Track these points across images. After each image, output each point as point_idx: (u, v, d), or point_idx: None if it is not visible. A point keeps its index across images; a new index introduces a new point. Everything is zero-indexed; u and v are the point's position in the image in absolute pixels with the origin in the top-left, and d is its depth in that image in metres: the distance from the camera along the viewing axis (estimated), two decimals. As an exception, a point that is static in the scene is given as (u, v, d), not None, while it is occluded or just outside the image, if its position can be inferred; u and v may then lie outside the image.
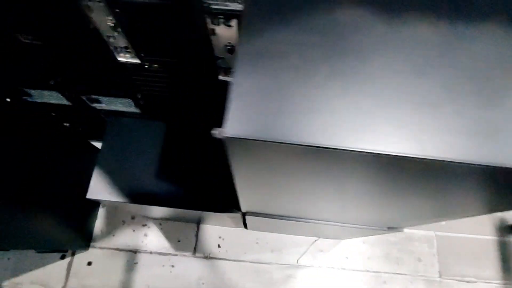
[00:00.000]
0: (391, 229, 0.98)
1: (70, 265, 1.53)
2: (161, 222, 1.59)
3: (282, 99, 0.36)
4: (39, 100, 1.25)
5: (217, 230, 1.57)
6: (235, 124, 0.35)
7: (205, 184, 1.01)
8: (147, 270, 1.51)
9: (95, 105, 1.22)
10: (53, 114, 1.36)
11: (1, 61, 1.02)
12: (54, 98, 1.22)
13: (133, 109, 1.21)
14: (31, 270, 1.51)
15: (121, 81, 1.01)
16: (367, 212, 0.76)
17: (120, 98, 1.14)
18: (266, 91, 0.37)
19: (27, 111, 1.27)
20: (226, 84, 0.89)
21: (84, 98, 1.18)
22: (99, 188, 1.01)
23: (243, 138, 0.34)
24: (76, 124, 1.48)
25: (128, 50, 0.85)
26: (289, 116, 0.36)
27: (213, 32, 0.69)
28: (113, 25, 0.75)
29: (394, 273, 1.54)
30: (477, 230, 1.60)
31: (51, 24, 0.79)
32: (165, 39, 0.76)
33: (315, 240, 1.56)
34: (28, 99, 1.24)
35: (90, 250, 1.55)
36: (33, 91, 1.20)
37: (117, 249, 1.55)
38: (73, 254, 1.54)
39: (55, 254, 1.54)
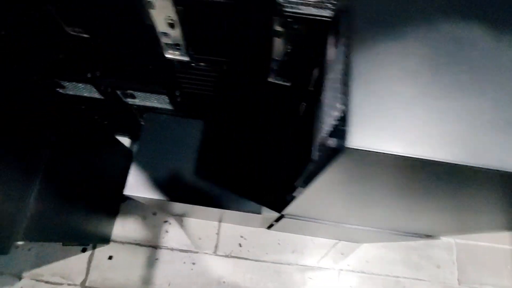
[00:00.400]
0: (428, 237, 0.98)
1: (91, 258, 1.52)
2: (182, 219, 1.59)
3: (401, 112, 0.36)
4: (71, 93, 1.24)
5: (238, 229, 1.57)
6: (358, 135, 0.34)
7: (244, 185, 1.01)
8: (168, 266, 1.51)
9: (128, 100, 1.22)
10: (82, 107, 1.35)
11: (42, 53, 1.01)
12: (87, 91, 1.21)
13: (166, 105, 1.21)
14: (52, 262, 1.51)
15: (163, 77, 1.00)
16: (416, 220, 0.75)
17: (157, 94, 1.13)
18: (384, 103, 0.36)
19: (58, 103, 1.26)
20: (273, 86, 0.89)
21: (119, 92, 1.17)
22: (136, 184, 1.01)
23: (367, 150, 0.34)
24: (104, 118, 1.47)
25: (179, 47, 0.84)
26: (408, 129, 0.35)
27: (277, 34, 0.68)
28: (171, 22, 0.74)
29: (413, 279, 1.54)
30: (497, 240, 1.61)
31: (106, 19, 0.78)
32: (224, 38, 0.75)
33: (336, 243, 1.57)
34: (61, 91, 1.23)
35: (111, 244, 1.54)
36: (67, 83, 1.19)
37: (138, 244, 1.55)
38: (94, 248, 1.54)
39: (76, 247, 1.53)
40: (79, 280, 1.49)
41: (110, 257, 1.53)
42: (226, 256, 1.53)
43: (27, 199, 0.98)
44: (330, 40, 0.54)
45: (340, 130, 0.38)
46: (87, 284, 1.49)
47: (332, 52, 0.52)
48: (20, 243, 0.98)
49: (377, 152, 0.34)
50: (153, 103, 1.21)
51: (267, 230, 1.56)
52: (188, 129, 1.08)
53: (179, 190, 1.02)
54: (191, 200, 1.00)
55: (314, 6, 0.58)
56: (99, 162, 1.44)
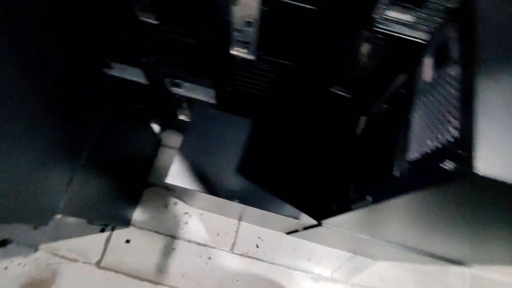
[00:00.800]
0: (459, 263, 0.98)
1: (108, 239, 1.53)
2: (202, 213, 1.59)
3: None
4: (116, 74, 1.24)
5: (257, 230, 1.57)
6: (487, 162, 0.35)
7: (284, 188, 1.02)
8: (184, 258, 1.52)
9: (173, 89, 1.22)
10: (123, 90, 1.36)
11: (105, 34, 1.02)
12: (134, 75, 1.22)
13: (211, 99, 1.21)
14: (70, 237, 1.52)
15: (220, 72, 1.01)
16: (466, 247, 0.76)
17: (206, 87, 1.14)
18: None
19: (101, 83, 1.27)
20: (333, 95, 0.89)
21: (167, 80, 1.18)
22: (179, 174, 1.01)
23: (497, 180, 0.34)
24: (141, 103, 1.48)
25: (248, 45, 0.85)
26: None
27: (357, 47, 0.69)
28: (250, 20, 0.74)
29: (424, 303, 1.54)
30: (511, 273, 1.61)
31: (183, 8, 0.79)
32: (299, 43, 0.76)
33: (352, 257, 1.57)
34: (107, 71, 1.23)
35: (130, 228, 1.55)
36: (116, 65, 1.20)
37: (156, 231, 1.55)
38: (113, 229, 1.55)
39: (95, 226, 1.54)
40: (94, 260, 1.50)
41: (127, 241, 1.53)
42: (242, 255, 1.54)
43: (70, 176, 0.99)
44: (427, 62, 0.54)
45: (457, 154, 0.39)
46: (102, 264, 1.50)
47: (430, 74, 0.53)
48: (58, 216, 0.98)
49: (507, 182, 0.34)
50: (198, 95, 1.22)
51: (285, 234, 1.56)
52: (235, 126, 1.08)
53: (219, 185, 1.02)
54: (231, 197, 1.01)
55: (410, 27, 0.58)
56: (130, 146, 1.44)
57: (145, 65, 1.12)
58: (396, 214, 0.65)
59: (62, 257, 1.51)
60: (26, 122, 0.81)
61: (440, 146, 0.44)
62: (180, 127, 1.68)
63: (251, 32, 0.79)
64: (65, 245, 1.52)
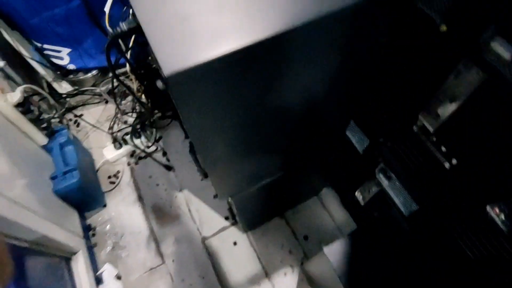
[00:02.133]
0: None
1: (224, 229, 1.66)
2: (304, 280, 1.53)
3: None
4: (348, 134, 1.30)
5: None
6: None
7: None
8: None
9: (380, 175, 1.21)
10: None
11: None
12: (359, 141, 1.27)
13: (404, 211, 1.14)
14: (205, 202, 1.73)
15: (445, 212, 0.93)
16: None
17: (411, 201, 1.07)
18: None
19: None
20: None
21: (382, 165, 1.17)
22: (337, 249, 0.99)
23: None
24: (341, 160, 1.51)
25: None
26: None
27: None
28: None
29: None
30: None
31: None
32: None
33: None
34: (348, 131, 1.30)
35: (245, 235, 1.63)
36: (352, 125, 1.27)
37: (259, 257, 1.58)
38: (233, 224, 1.67)
39: (226, 212, 1.69)
40: (204, 234, 1.66)
41: (235, 243, 1.62)
42: None
43: (257, 182, 1.11)
44: None
45: None
46: (205, 242, 1.63)
47: None
48: (229, 199, 1.12)
49: None
50: (396, 199, 1.16)
51: None
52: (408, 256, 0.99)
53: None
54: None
55: None
56: (301, 177, 1.48)
57: (377, 142, 1.14)
58: None
59: (189, 211, 1.73)
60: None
61: None
62: (346, 200, 1.66)
63: None
64: (197, 205, 1.74)
